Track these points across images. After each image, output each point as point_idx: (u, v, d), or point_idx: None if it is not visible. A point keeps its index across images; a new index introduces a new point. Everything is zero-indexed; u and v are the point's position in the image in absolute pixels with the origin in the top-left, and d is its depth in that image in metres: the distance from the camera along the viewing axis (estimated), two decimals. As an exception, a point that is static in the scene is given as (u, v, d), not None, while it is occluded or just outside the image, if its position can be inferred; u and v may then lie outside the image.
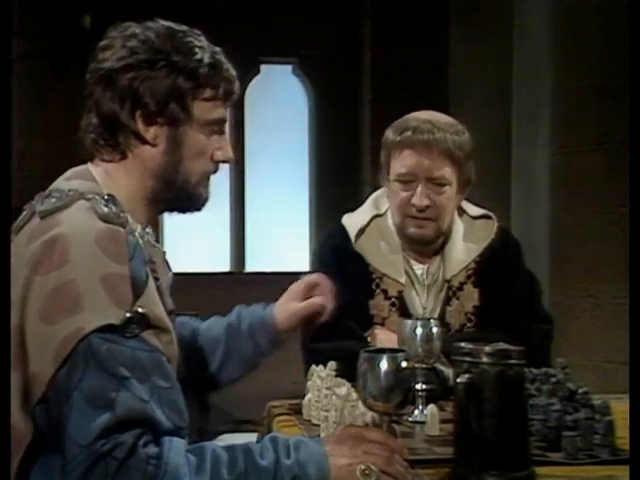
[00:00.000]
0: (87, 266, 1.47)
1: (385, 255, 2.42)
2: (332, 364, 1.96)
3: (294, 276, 2.07)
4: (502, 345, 1.58)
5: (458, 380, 1.55)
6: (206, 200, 1.73)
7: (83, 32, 6.52)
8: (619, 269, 3.98)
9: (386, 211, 2.47)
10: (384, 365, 1.47)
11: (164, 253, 1.78)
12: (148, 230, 1.71)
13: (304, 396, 2.05)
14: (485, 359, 1.54)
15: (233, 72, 1.70)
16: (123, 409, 1.41)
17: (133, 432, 1.40)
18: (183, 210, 1.76)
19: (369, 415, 1.65)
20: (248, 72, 7.39)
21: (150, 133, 1.63)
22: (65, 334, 1.43)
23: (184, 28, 1.68)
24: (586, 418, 1.73)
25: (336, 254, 2.42)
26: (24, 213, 1.63)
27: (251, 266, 7.73)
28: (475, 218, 2.48)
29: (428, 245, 2.41)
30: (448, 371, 2.11)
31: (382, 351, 1.51)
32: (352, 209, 2.54)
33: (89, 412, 1.40)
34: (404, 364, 1.48)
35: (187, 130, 1.64)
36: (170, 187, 1.67)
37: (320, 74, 7.71)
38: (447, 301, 2.39)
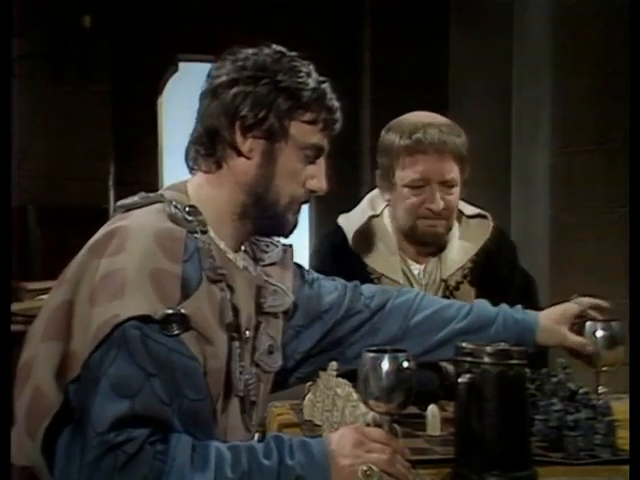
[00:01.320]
0: (140, 258, 1.51)
1: (382, 255, 2.42)
2: (333, 364, 1.96)
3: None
4: (503, 345, 1.58)
5: (459, 380, 1.55)
6: (294, 227, 1.76)
7: (83, 32, 6.53)
8: (619, 269, 3.98)
9: (382, 211, 2.47)
10: (386, 365, 1.47)
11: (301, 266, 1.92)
12: (241, 251, 1.75)
13: (305, 396, 2.05)
14: (486, 359, 1.55)
15: (336, 104, 1.74)
16: (142, 405, 1.43)
17: (146, 429, 1.43)
18: (269, 233, 1.80)
19: (370, 415, 1.65)
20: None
21: (246, 145, 1.67)
22: (103, 319, 1.46)
23: (294, 54, 1.72)
24: (587, 418, 1.74)
25: (335, 253, 2.42)
26: (113, 214, 1.70)
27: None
28: (470, 217, 2.48)
29: (435, 244, 2.41)
30: (451, 367, 2.12)
31: (384, 351, 1.51)
32: (353, 201, 2.54)
33: (110, 399, 1.43)
34: (406, 364, 1.48)
35: (282, 147, 1.68)
36: (260, 203, 1.69)
37: (320, 74, 7.71)
38: None
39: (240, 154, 1.67)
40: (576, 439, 1.70)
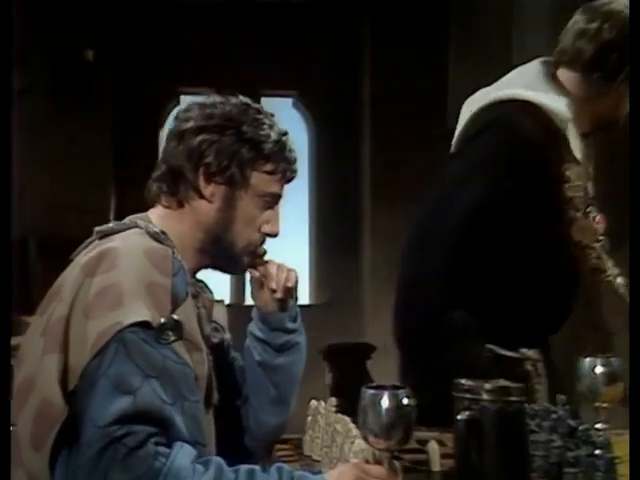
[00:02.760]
0: (133, 272, 1.59)
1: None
2: (332, 400, 1.96)
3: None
4: (502, 382, 1.58)
5: (459, 417, 1.55)
6: (246, 268, 1.88)
7: (86, 65, 6.57)
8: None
9: None
10: (385, 402, 1.47)
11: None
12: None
13: (305, 431, 2.05)
14: (485, 396, 1.55)
15: (295, 155, 1.86)
16: (143, 402, 1.48)
17: (148, 428, 1.47)
18: (223, 269, 1.90)
19: (370, 451, 1.65)
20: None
21: (208, 190, 1.78)
22: (102, 328, 1.53)
23: (259, 106, 1.85)
24: (587, 454, 1.73)
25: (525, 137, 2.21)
26: (84, 243, 1.78)
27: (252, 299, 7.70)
28: None
29: None
30: None
31: (383, 387, 1.51)
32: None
33: (111, 396, 1.48)
34: (405, 401, 1.48)
35: (242, 195, 1.79)
36: (217, 243, 1.80)
37: (320, 106, 7.76)
38: None
39: (202, 197, 1.78)
40: (576, 476, 1.70)
